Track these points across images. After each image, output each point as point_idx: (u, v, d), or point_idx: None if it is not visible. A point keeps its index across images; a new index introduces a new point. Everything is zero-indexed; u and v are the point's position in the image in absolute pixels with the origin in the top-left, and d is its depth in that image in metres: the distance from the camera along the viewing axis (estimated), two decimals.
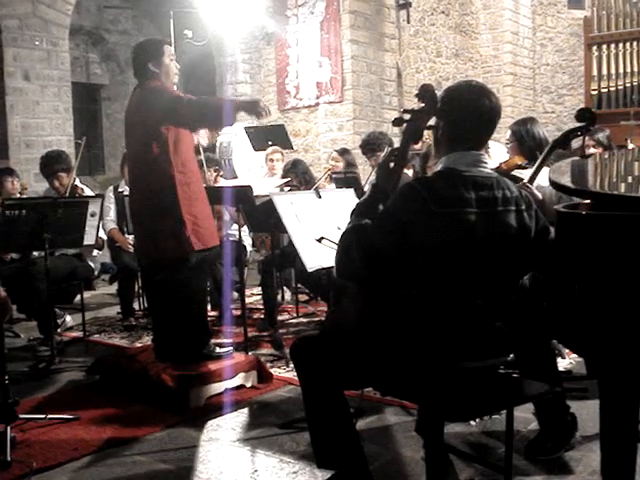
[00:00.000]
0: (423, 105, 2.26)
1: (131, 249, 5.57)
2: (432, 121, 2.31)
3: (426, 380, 2.12)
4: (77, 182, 5.33)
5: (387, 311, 2.20)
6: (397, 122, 2.35)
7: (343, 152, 6.35)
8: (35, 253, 4.90)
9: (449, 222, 2.07)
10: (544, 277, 2.29)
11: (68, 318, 5.37)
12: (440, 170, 2.21)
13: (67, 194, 5.08)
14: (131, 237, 5.60)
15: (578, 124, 3.02)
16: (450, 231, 2.07)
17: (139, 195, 3.81)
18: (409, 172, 5.40)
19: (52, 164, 5.24)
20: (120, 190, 5.92)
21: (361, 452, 2.31)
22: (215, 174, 5.72)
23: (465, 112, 2.21)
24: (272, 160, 6.52)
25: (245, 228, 5.37)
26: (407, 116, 2.31)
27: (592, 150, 4.39)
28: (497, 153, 4.87)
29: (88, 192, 5.28)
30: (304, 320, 5.45)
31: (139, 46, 3.85)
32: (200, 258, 3.75)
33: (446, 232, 2.07)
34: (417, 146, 5.03)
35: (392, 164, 2.31)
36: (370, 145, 5.71)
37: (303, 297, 6.02)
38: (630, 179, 2.50)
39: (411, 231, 2.07)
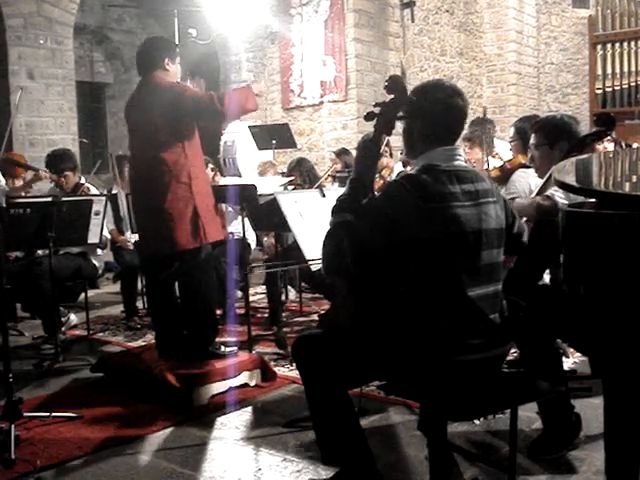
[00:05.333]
0: (392, 97, 2.26)
1: (132, 247, 5.57)
2: (402, 121, 2.31)
3: (428, 378, 2.12)
4: (82, 180, 5.33)
5: (382, 308, 2.20)
6: (369, 117, 2.31)
7: (340, 153, 6.33)
8: (39, 252, 4.92)
9: (437, 217, 2.09)
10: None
11: (72, 316, 5.37)
12: (421, 168, 2.21)
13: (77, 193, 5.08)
14: (131, 235, 5.60)
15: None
16: (439, 225, 2.09)
17: (151, 188, 3.69)
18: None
19: (58, 162, 5.24)
20: (114, 192, 5.95)
21: (367, 448, 2.31)
22: (212, 173, 5.68)
23: (440, 110, 2.23)
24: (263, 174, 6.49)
25: (248, 226, 5.37)
26: (377, 109, 2.30)
27: (606, 144, 4.38)
28: (502, 151, 4.86)
29: (94, 191, 5.28)
30: (308, 319, 5.45)
31: (156, 40, 3.95)
32: (207, 253, 3.77)
33: (435, 227, 2.09)
34: None
35: (367, 158, 2.29)
36: None
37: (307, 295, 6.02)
38: (635, 178, 2.50)
39: (400, 227, 2.09)
